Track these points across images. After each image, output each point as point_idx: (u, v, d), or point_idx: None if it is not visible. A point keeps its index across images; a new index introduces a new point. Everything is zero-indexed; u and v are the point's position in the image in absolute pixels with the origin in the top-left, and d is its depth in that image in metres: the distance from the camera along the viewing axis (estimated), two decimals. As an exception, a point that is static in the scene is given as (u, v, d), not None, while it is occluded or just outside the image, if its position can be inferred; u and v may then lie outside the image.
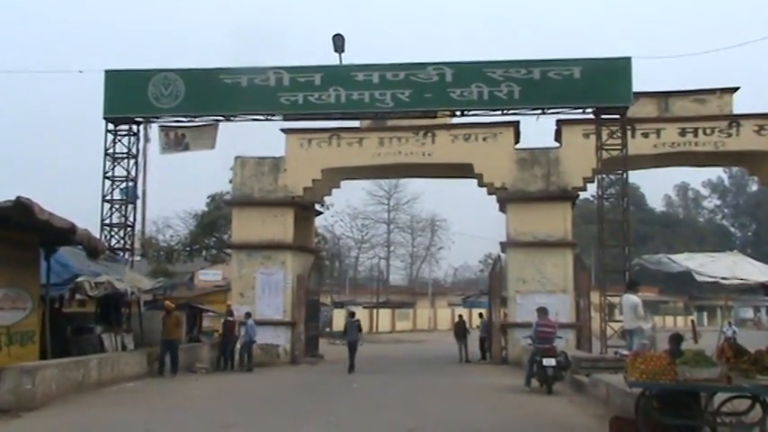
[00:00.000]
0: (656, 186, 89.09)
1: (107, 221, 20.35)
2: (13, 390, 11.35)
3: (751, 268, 10.06)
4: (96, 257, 15.29)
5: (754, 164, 22.14)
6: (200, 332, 22.96)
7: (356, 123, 21.99)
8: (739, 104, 20.99)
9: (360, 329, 19.65)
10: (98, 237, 17.88)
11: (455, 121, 21.31)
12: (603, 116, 19.56)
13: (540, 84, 19.34)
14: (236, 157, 22.26)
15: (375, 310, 45.76)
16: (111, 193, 20.60)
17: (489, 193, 21.97)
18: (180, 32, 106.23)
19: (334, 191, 24.64)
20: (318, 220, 29.26)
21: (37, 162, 77.52)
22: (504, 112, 20.06)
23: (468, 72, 19.71)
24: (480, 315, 25.94)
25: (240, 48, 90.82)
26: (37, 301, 13.61)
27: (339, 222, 60.37)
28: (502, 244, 21.67)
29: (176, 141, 21.27)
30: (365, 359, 19.55)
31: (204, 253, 38.98)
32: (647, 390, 7.90)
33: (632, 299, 13.33)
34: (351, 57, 20.70)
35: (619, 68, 19.20)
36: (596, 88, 19.18)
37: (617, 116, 19.46)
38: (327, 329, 35.42)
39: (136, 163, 21.04)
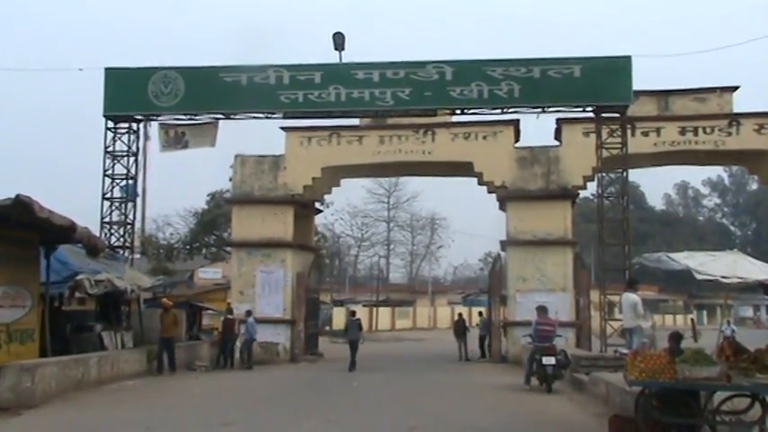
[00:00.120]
0: (656, 185, 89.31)
1: (107, 219, 20.33)
2: (13, 387, 11.36)
3: (751, 267, 10.08)
4: (96, 255, 15.33)
5: (754, 163, 22.13)
6: (200, 330, 22.97)
7: (356, 122, 21.96)
8: (739, 103, 21.02)
9: (360, 328, 19.72)
10: (98, 235, 17.90)
11: (455, 119, 21.30)
12: (603, 115, 19.55)
13: (541, 82, 19.32)
14: (236, 156, 22.27)
15: (375, 309, 45.80)
16: (111, 190, 20.57)
17: (489, 192, 21.96)
18: (180, 31, 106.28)
19: (334, 189, 24.67)
20: (318, 219, 29.30)
21: (37, 160, 77.62)
22: (504, 110, 20.04)
23: (469, 70, 19.69)
24: (480, 313, 25.96)
25: (240, 46, 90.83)
26: (37, 298, 13.62)
27: (339, 220, 60.42)
28: (502, 242, 21.67)
29: (176, 139, 21.27)
30: (365, 357, 19.56)
31: (204, 251, 38.97)
32: (646, 388, 7.90)
33: (632, 297, 13.33)
34: (351, 55, 20.72)
35: (619, 67, 19.18)
36: (596, 87, 19.17)
37: (617, 115, 19.45)
38: (327, 328, 35.46)
39: (136, 161, 21.03)
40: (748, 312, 64.70)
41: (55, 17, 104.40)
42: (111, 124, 20.66)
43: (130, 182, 20.80)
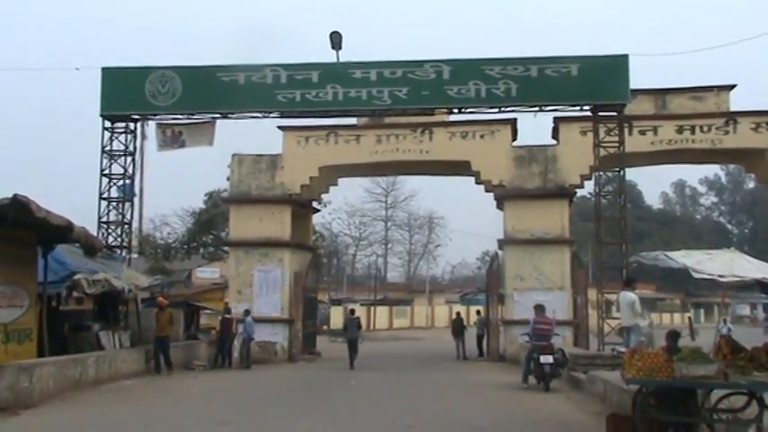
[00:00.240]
0: (654, 184, 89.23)
1: (104, 219, 20.29)
2: (11, 387, 11.36)
3: (748, 265, 10.07)
4: (93, 255, 15.30)
5: (751, 161, 22.16)
6: (198, 330, 22.95)
7: (353, 121, 21.95)
8: (736, 102, 21.05)
9: (360, 327, 19.78)
10: (95, 234, 17.88)
11: (452, 118, 21.30)
12: (601, 113, 19.57)
13: (538, 81, 19.33)
14: (234, 155, 22.25)
15: (373, 308, 45.80)
16: (109, 190, 20.53)
17: (487, 191, 21.97)
18: (178, 31, 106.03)
19: (331, 188, 24.63)
20: (316, 218, 29.26)
21: (34, 159, 77.34)
22: (502, 109, 20.05)
23: (466, 69, 19.69)
24: (478, 312, 25.99)
25: (238, 46, 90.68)
26: (34, 298, 13.61)
27: (337, 220, 60.57)
28: (499, 241, 21.69)
29: (173, 139, 21.24)
30: (363, 356, 19.57)
31: (202, 250, 38.95)
32: (644, 387, 7.91)
33: (629, 296, 13.36)
34: (349, 54, 20.73)
35: (616, 66, 19.19)
36: (594, 86, 19.18)
37: (614, 113, 19.45)
38: (325, 327, 35.46)
39: (133, 160, 21.00)
40: (745, 311, 64.76)
41: (53, 16, 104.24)
42: (108, 124, 20.60)
43: (128, 181, 20.77)
